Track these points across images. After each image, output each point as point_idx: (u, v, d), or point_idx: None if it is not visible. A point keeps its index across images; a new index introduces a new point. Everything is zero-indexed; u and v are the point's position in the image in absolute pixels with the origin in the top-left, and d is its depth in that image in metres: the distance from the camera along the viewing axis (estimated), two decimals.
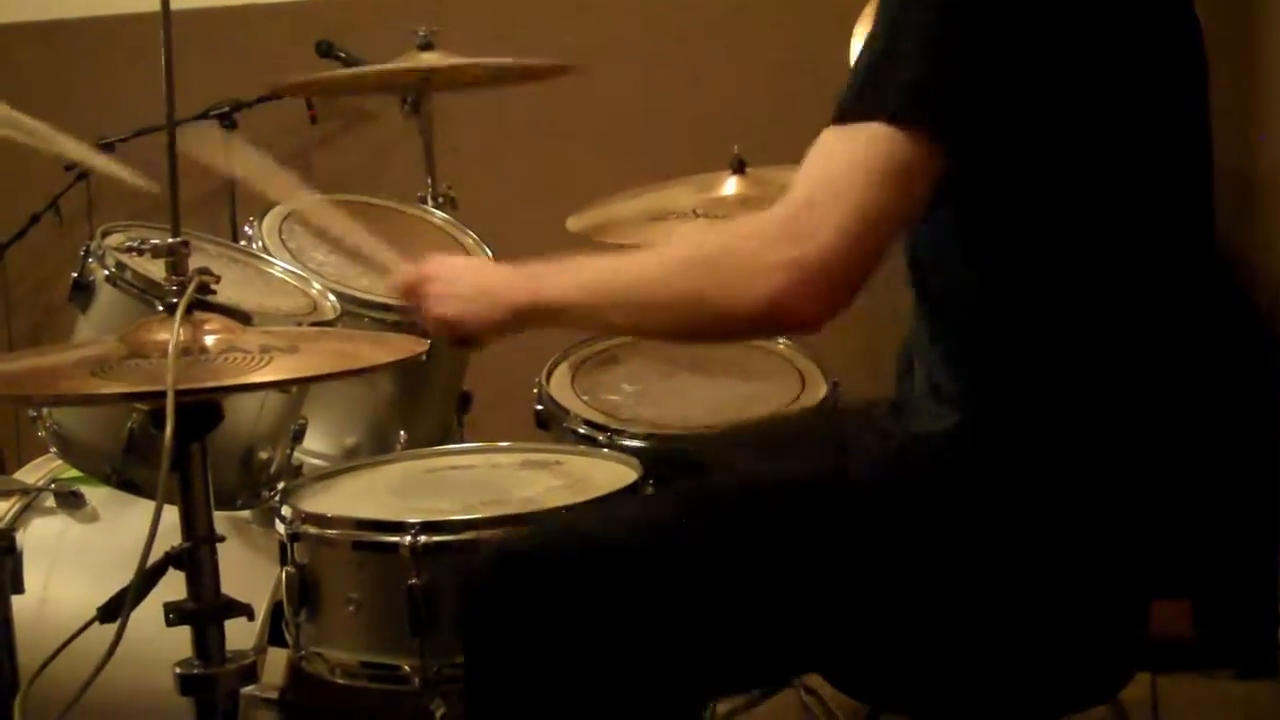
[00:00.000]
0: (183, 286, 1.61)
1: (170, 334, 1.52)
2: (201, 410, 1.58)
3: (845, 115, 1.39)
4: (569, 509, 1.66)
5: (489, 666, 1.49)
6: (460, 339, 1.62)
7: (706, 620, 1.47)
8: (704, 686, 1.55)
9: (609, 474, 1.80)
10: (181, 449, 1.59)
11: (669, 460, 1.81)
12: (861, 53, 1.42)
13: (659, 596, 1.46)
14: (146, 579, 1.56)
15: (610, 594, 1.45)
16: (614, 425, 2.19)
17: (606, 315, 1.52)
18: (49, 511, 2.25)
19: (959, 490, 1.51)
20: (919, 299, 1.58)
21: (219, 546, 1.62)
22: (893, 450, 1.61)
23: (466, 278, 1.63)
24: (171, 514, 1.61)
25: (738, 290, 1.36)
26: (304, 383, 2.00)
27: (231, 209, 3.23)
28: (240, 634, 1.70)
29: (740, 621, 1.48)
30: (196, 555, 1.60)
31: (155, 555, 1.59)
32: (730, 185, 2.57)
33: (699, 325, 1.43)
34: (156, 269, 1.77)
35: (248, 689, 1.76)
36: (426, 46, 2.71)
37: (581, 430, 2.25)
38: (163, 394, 1.44)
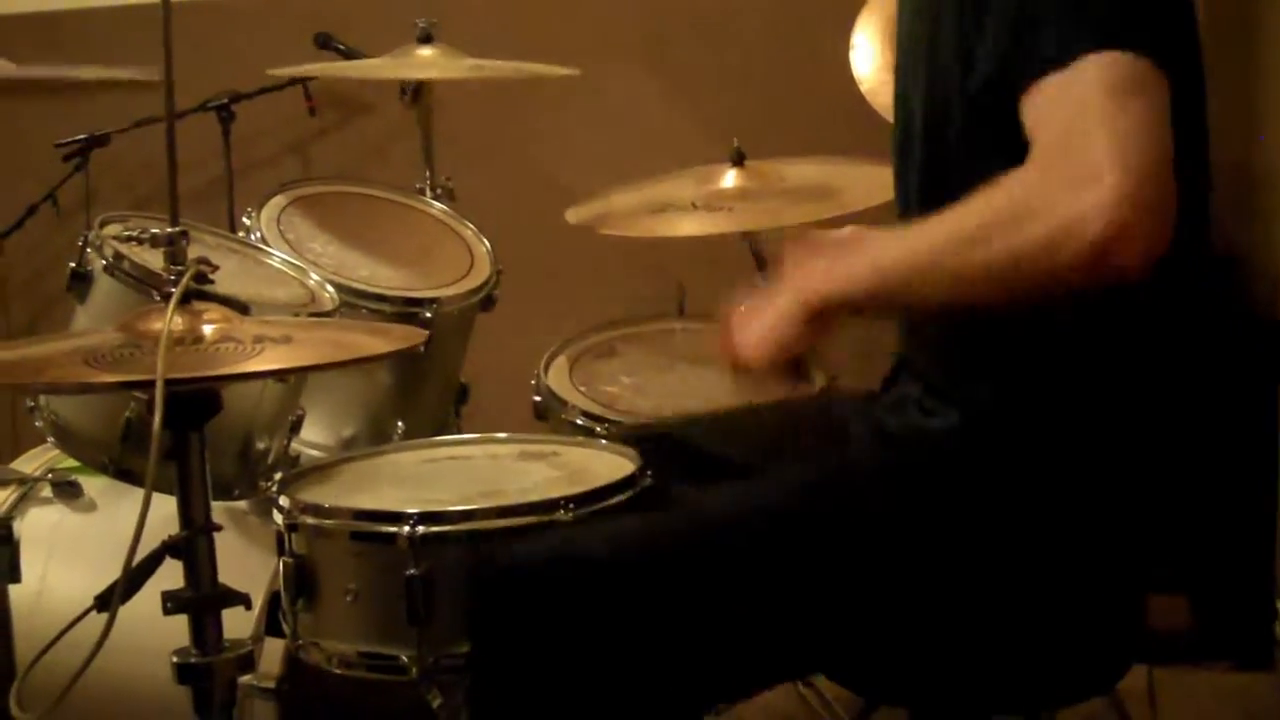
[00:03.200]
0: (180, 276, 1.61)
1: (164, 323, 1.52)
2: (199, 399, 1.58)
3: (1058, 60, 1.34)
4: (567, 503, 1.66)
5: (495, 676, 1.50)
6: (784, 365, 1.52)
7: (710, 628, 1.48)
8: (708, 693, 1.56)
9: (607, 465, 1.80)
10: (180, 438, 1.59)
11: (664, 449, 1.81)
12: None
13: (660, 607, 1.47)
14: (142, 568, 1.56)
15: (613, 605, 1.46)
16: (612, 416, 2.18)
17: (900, 296, 1.43)
18: (46, 501, 2.25)
19: (957, 484, 1.51)
20: None
21: (216, 536, 1.62)
22: (892, 445, 1.61)
23: (762, 306, 1.51)
24: (169, 504, 1.61)
25: (1054, 248, 1.29)
26: (297, 373, 2.00)
27: (229, 200, 3.23)
28: (237, 623, 1.69)
29: (743, 625, 1.48)
30: (194, 545, 1.60)
31: (153, 545, 1.59)
32: (730, 177, 2.57)
33: (1020, 288, 1.35)
34: (154, 259, 1.77)
35: (245, 678, 1.76)
36: (425, 39, 2.70)
37: (579, 421, 2.25)
38: (154, 383, 1.44)
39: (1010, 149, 1.37)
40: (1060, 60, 1.34)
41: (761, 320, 1.49)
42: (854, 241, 1.45)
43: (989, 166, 1.38)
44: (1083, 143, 1.30)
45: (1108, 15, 1.35)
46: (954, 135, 1.51)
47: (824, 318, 1.45)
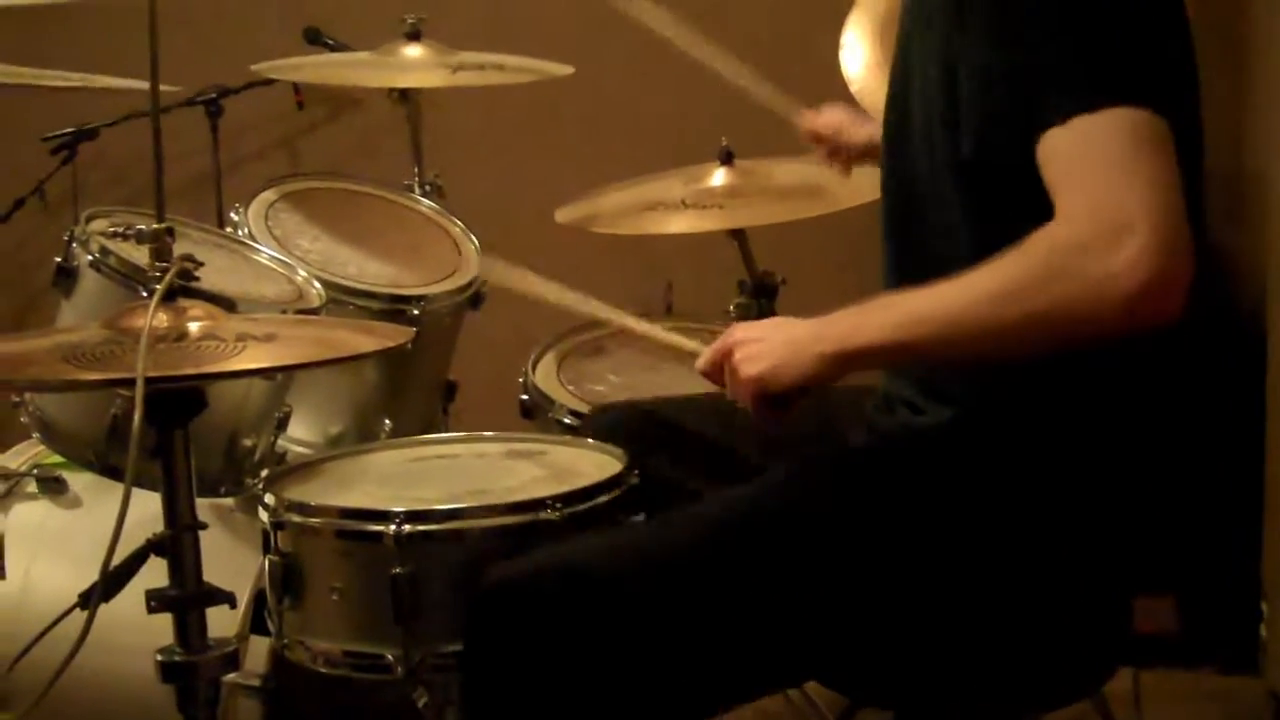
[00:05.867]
0: (165, 273, 1.60)
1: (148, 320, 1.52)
2: (183, 397, 1.57)
3: (1069, 109, 1.37)
4: (554, 503, 1.66)
5: (490, 698, 1.50)
6: (772, 400, 1.55)
7: (703, 639, 1.48)
8: (704, 704, 1.55)
9: (593, 464, 1.79)
10: (164, 436, 1.58)
11: (655, 428, 1.82)
12: (1029, 47, 1.40)
13: (654, 619, 1.47)
14: (127, 566, 1.55)
15: (608, 619, 1.46)
16: None
17: (927, 350, 1.46)
18: (31, 497, 2.24)
19: (945, 483, 1.51)
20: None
21: (201, 534, 1.62)
22: (882, 444, 1.61)
23: (771, 334, 1.56)
24: (154, 501, 1.60)
25: (1088, 306, 1.33)
26: (278, 371, 1.98)
27: (218, 195, 3.22)
28: (222, 622, 1.69)
29: (737, 633, 1.48)
30: (179, 542, 1.59)
31: (138, 543, 1.59)
32: (718, 176, 2.57)
33: (1045, 345, 1.40)
34: (140, 254, 1.76)
35: (229, 677, 1.75)
36: (413, 35, 2.70)
37: (567, 420, 2.24)
38: (135, 381, 1.43)
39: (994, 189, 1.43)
40: (1073, 112, 1.36)
41: (772, 353, 1.52)
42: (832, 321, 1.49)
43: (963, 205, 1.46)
44: (1109, 200, 1.33)
45: (1117, 69, 1.37)
46: (934, 166, 1.52)
47: (840, 367, 1.48)
